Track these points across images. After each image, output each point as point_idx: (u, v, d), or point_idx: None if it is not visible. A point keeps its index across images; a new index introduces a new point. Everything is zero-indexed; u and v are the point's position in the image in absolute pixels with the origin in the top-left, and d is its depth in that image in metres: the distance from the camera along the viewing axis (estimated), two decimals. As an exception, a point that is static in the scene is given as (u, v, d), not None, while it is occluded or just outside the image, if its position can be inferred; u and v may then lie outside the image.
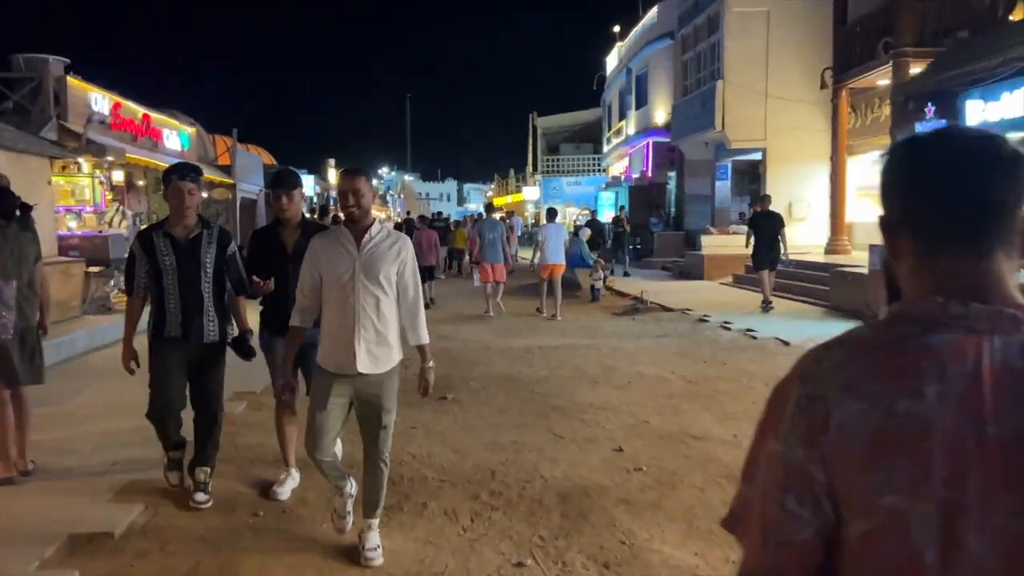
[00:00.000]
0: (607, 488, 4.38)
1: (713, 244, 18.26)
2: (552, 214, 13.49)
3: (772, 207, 13.05)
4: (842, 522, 0.94)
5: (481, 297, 12.48)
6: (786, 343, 8.84)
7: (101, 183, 12.49)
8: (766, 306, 11.72)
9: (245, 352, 4.32)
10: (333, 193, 34.70)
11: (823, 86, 16.30)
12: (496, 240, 12.28)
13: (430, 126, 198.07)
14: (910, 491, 0.89)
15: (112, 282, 10.81)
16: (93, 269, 10.57)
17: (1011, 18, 9.71)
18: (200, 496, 4.09)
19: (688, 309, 12.03)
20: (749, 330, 9.78)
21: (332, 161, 36.13)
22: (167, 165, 13.21)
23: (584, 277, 14.80)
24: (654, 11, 25.22)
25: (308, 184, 25.53)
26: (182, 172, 4.11)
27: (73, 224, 11.90)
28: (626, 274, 18.92)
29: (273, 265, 4.17)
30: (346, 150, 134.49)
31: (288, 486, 4.32)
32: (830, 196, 16.58)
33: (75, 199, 12.39)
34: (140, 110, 13.83)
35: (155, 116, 14.43)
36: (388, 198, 79.67)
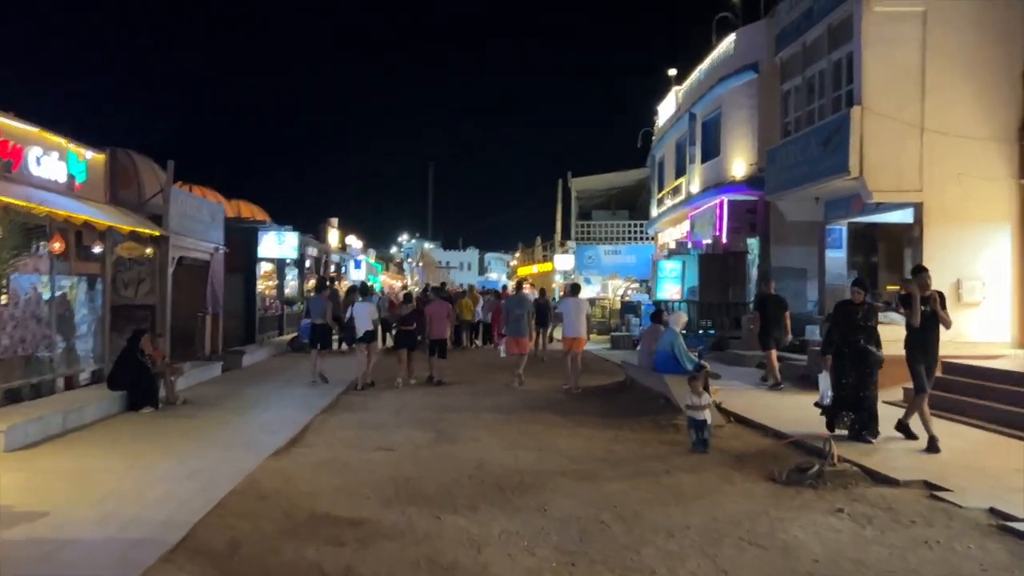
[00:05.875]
0: None
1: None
2: (575, 289, 13.69)
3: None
4: None
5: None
6: None
7: None
8: (776, 386, 12.22)
9: None
10: (335, 257, 29.44)
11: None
12: (522, 316, 13.17)
13: (449, 189, 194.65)
14: None
15: None
16: None
17: None
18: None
19: (941, 488, 6.06)
20: None
21: (335, 221, 30.96)
22: (25, 203, 7.33)
23: (679, 391, 8.86)
24: (730, 40, 20.13)
25: (291, 246, 20.20)
26: None
27: None
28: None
29: None
30: (353, 210, 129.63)
31: None
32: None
33: None
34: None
35: (9, 126, 9.09)
36: (405, 267, 74.97)
